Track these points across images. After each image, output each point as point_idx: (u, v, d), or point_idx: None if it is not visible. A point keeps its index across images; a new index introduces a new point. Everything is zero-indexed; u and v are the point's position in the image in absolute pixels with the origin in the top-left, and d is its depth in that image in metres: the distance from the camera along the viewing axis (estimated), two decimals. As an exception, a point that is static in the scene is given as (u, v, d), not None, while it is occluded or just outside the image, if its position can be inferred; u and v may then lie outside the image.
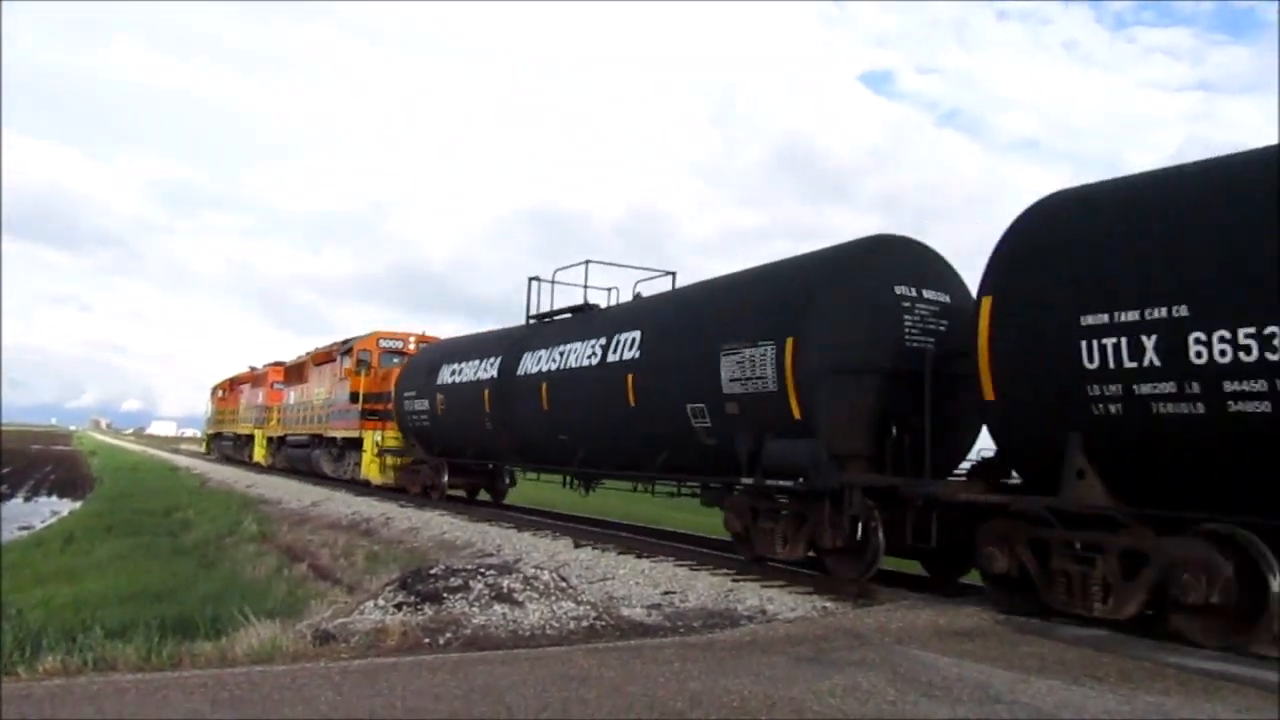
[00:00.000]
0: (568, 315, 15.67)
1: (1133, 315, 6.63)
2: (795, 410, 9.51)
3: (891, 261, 9.89)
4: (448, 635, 6.79)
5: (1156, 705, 4.89)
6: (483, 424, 16.87)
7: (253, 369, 40.07)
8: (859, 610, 8.11)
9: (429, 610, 7.49)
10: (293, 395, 30.74)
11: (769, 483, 9.84)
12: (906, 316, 9.56)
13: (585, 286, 15.49)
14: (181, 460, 50.57)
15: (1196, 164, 7.09)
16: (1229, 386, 6.14)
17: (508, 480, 20.63)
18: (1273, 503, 6.14)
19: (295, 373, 30.82)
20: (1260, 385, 5.99)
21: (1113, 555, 6.99)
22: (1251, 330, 6.01)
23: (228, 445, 44.40)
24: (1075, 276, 7.17)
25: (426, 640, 6.66)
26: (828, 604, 8.70)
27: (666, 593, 9.24)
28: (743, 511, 10.47)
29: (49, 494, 41.51)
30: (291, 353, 35.82)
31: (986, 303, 7.76)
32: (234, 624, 7.17)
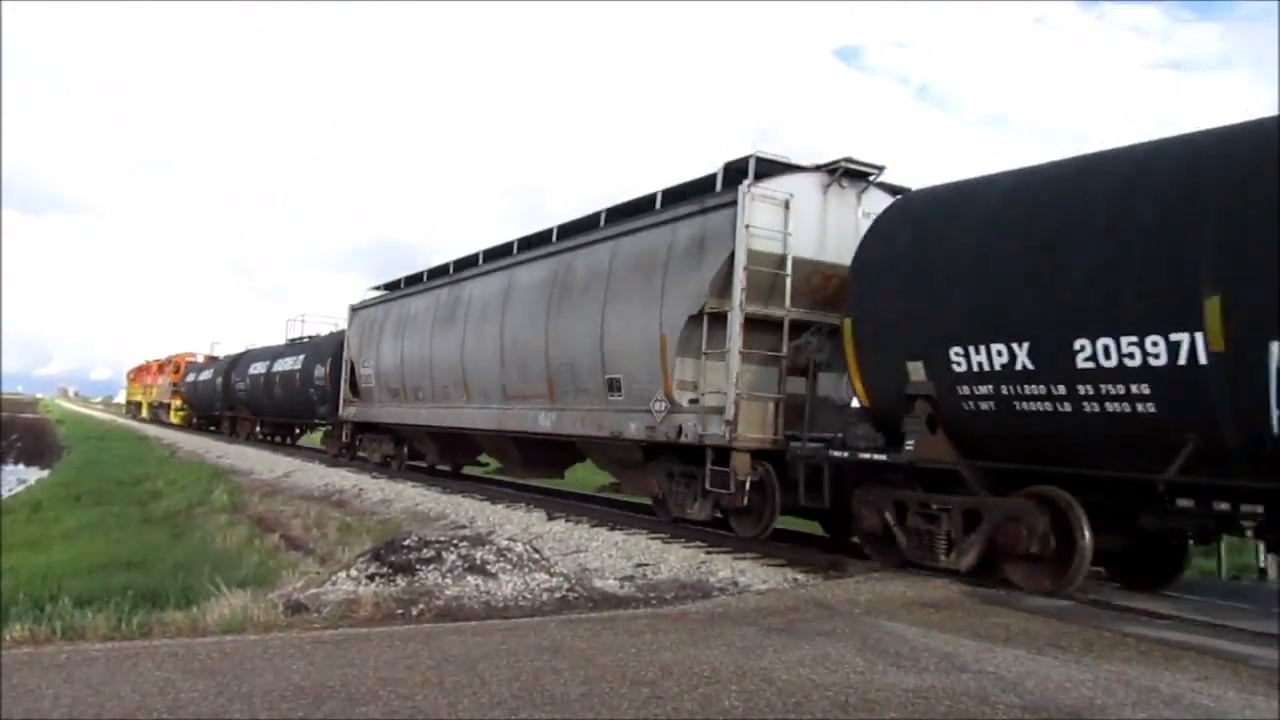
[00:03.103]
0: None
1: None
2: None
3: None
4: (420, 606, 6.80)
5: (1118, 674, 4.99)
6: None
7: (148, 362, 61.97)
8: (829, 582, 8.19)
9: (402, 581, 7.50)
10: (160, 380, 54.84)
11: None
12: None
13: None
14: (151, 430, 50.19)
15: None
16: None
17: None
18: None
19: (161, 368, 55.13)
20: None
21: None
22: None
23: (134, 408, 70.05)
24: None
25: (399, 611, 6.67)
26: (799, 576, 8.79)
27: (639, 565, 9.28)
28: None
29: (15, 462, 41.02)
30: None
31: None
32: (205, 594, 7.14)
